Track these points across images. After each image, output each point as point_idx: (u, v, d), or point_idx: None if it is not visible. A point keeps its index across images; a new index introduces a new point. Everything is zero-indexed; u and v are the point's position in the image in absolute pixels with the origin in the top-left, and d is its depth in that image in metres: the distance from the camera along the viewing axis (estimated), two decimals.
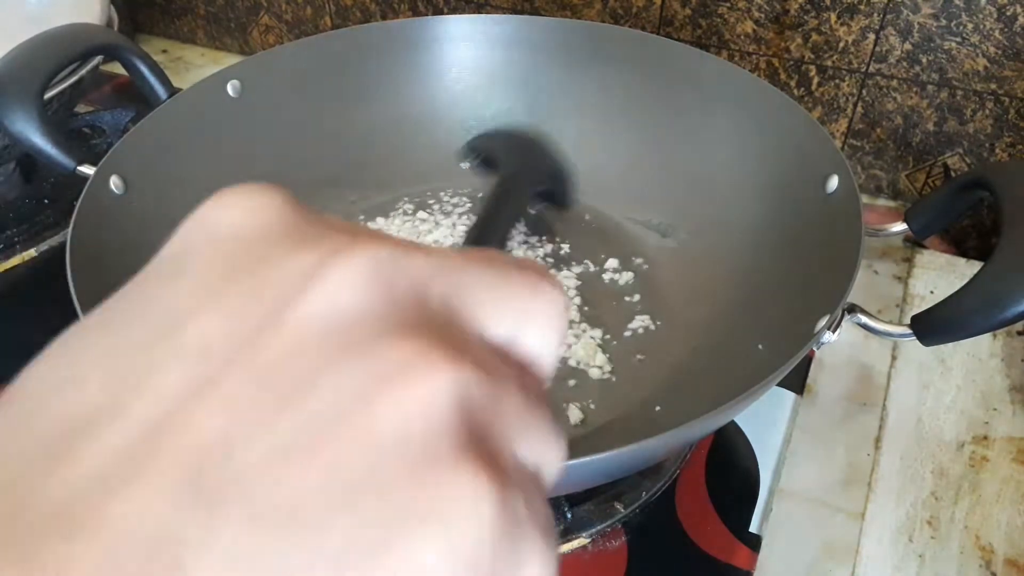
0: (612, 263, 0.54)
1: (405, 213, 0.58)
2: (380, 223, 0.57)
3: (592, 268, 0.54)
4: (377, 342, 0.13)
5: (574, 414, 0.44)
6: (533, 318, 0.15)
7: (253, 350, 0.13)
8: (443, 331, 0.14)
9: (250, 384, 0.12)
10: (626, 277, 0.53)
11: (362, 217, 0.58)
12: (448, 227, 0.57)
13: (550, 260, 0.54)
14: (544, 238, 0.56)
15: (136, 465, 0.12)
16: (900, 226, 0.43)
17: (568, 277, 0.53)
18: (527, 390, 0.15)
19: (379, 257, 0.14)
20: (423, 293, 0.14)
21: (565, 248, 0.55)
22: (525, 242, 0.56)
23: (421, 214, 0.58)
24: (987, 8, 0.55)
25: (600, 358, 0.48)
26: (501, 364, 0.14)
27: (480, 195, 0.59)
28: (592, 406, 0.45)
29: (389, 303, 0.14)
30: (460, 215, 0.58)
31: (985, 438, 0.47)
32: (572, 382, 0.47)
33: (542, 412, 0.15)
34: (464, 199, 0.59)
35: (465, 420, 0.13)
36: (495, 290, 0.15)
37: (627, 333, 0.49)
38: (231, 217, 0.16)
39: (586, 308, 0.51)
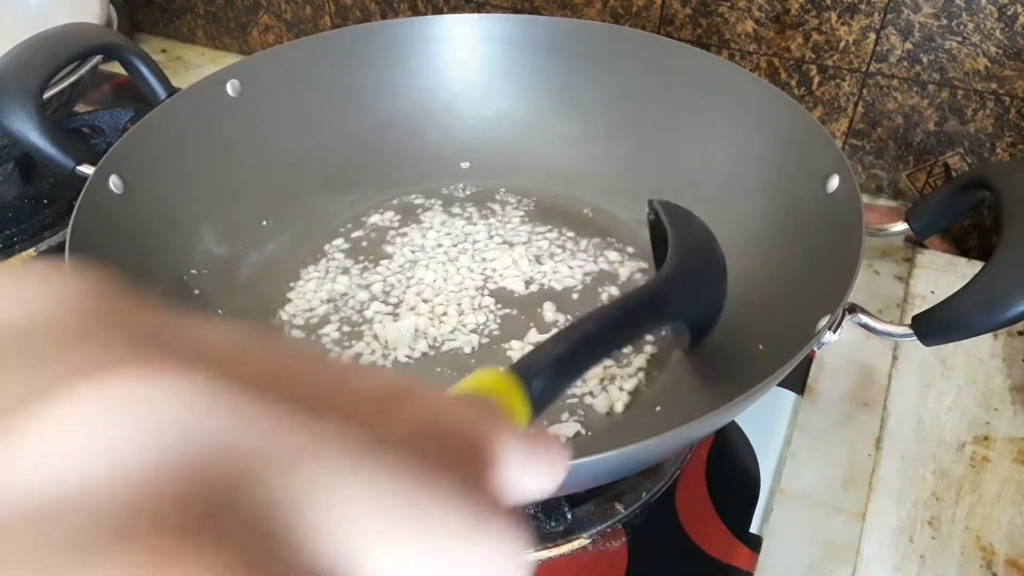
0: (612, 263, 0.54)
1: (405, 213, 0.58)
2: (379, 222, 0.57)
3: (591, 267, 0.54)
4: (90, 555, 0.08)
5: (571, 427, 0.44)
6: None
7: None
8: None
9: None
10: (626, 277, 0.53)
11: (362, 218, 0.58)
12: (448, 226, 0.57)
13: (548, 261, 0.54)
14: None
15: None
16: (901, 226, 0.43)
17: (567, 277, 0.53)
18: None
19: (150, 396, 0.09)
20: (224, 480, 0.09)
21: (564, 248, 0.55)
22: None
23: (420, 214, 0.58)
24: (988, 8, 0.55)
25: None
26: None
27: (479, 190, 0.59)
28: (592, 408, 0.45)
29: (143, 484, 0.09)
30: (460, 214, 0.58)
31: (986, 438, 0.47)
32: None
33: None
34: (464, 198, 0.59)
35: None
36: (394, 517, 0.10)
37: None
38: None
39: (584, 309, 0.51)
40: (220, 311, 0.49)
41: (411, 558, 0.10)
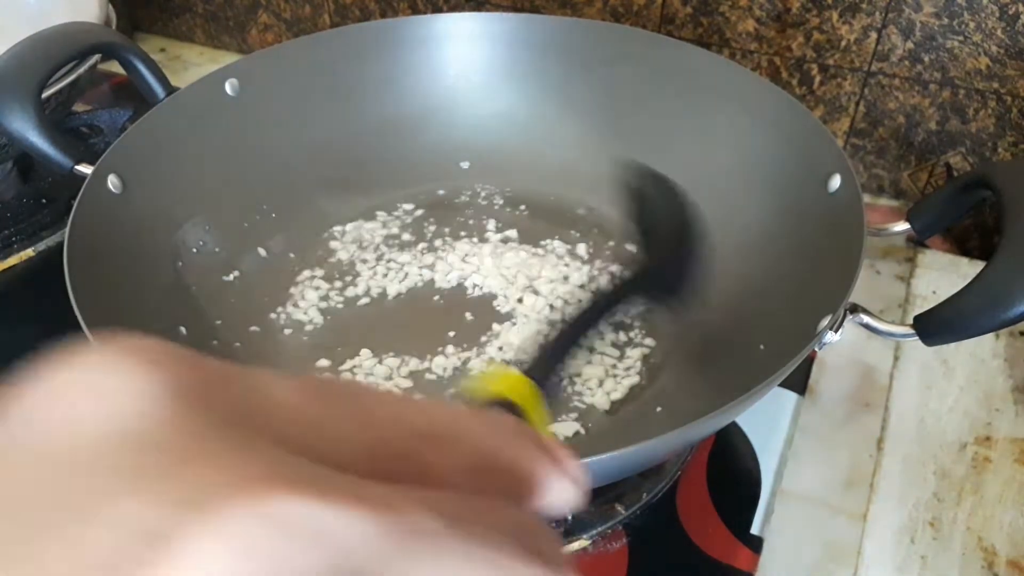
0: (612, 263, 0.54)
1: (405, 213, 0.58)
2: (378, 221, 0.57)
3: (591, 268, 0.53)
4: None
5: (571, 426, 0.44)
6: None
7: None
8: None
9: None
10: (626, 277, 0.53)
11: (361, 219, 0.58)
12: (448, 227, 0.57)
13: (548, 261, 0.54)
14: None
15: None
16: (902, 226, 0.43)
17: (568, 276, 0.53)
18: None
19: (276, 523, 0.10)
20: None
21: (565, 247, 0.55)
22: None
23: (421, 214, 0.58)
24: (989, 7, 0.54)
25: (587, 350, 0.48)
26: None
27: (479, 191, 0.59)
28: (591, 407, 0.45)
29: None
30: (460, 214, 0.58)
31: (988, 439, 0.47)
32: (571, 382, 0.46)
33: None
34: (464, 198, 0.59)
35: None
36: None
37: (627, 333, 0.49)
38: (75, 405, 0.11)
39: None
40: (218, 311, 0.49)
41: None
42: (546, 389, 0.25)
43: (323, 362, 0.48)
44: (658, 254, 0.40)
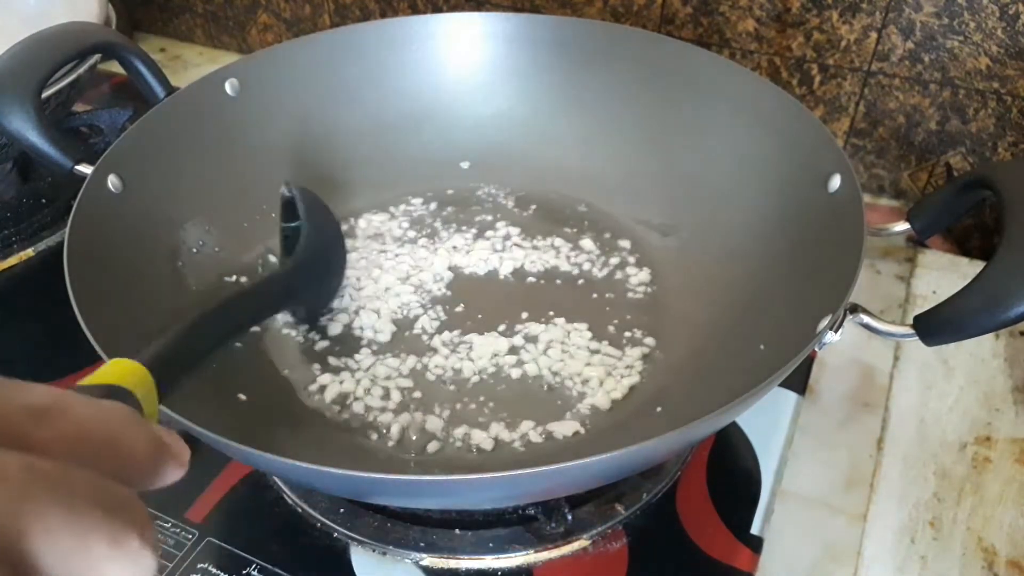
0: (612, 263, 0.54)
1: (405, 212, 0.58)
2: (378, 220, 0.57)
3: (592, 268, 0.53)
4: None
5: (571, 426, 0.44)
6: None
7: None
8: None
9: None
10: (626, 277, 0.53)
11: (361, 221, 0.58)
12: (447, 227, 0.57)
13: (549, 260, 0.54)
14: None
15: None
16: (902, 225, 0.43)
17: (567, 277, 0.53)
18: None
19: None
20: None
21: (565, 247, 0.55)
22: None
23: (420, 213, 0.58)
24: (989, 7, 0.54)
25: (587, 350, 0.48)
26: None
27: (479, 192, 0.59)
28: (592, 407, 0.45)
29: None
30: (460, 214, 0.58)
31: (988, 439, 0.47)
32: (571, 382, 0.46)
33: None
34: (464, 197, 0.59)
35: None
36: (55, 535, 0.15)
37: (627, 333, 0.49)
38: None
39: (585, 308, 0.50)
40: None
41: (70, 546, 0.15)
42: (169, 375, 0.27)
43: (323, 359, 0.48)
44: (313, 272, 0.44)
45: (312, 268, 0.43)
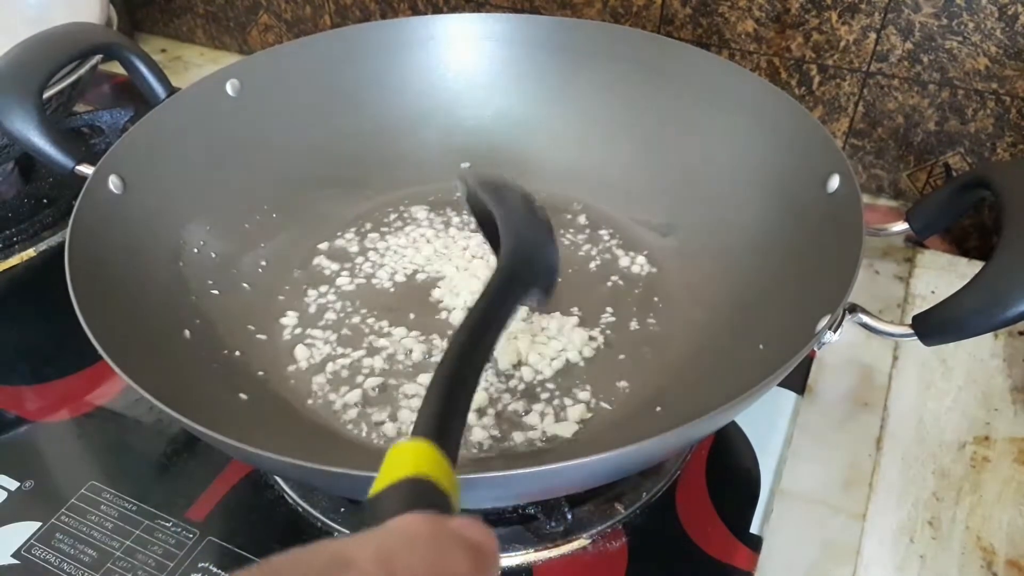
0: (611, 263, 0.54)
1: (404, 212, 0.58)
2: (378, 221, 0.57)
3: (592, 268, 0.54)
4: None
5: (575, 412, 0.44)
6: None
7: None
8: None
9: None
10: (626, 277, 0.53)
11: (362, 223, 0.58)
12: (446, 226, 0.57)
13: None
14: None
15: None
16: (901, 226, 0.43)
17: (566, 277, 0.53)
18: None
19: None
20: None
21: (565, 247, 0.55)
22: None
23: (420, 213, 0.58)
24: (988, 7, 0.54)
25: (588, 350, 0.48)
26: None
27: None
28: (592, 406, 0.45)
29: None
30: (460, 214, 0.58)
31: (986, 438, 0.47)
32: (570, 381, 0.46)
33: None
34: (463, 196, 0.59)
35: None
36: None
37: (627, 333, 0.49)
38: None
39: (585, 308, 0.51)
40: (219, 311, 0.49)
41: None
42: (451, 440, 0.23)
43: (324, 360, 0.48)
44: (527, 254, 0.38)
45: (524, 249, 0.38)
